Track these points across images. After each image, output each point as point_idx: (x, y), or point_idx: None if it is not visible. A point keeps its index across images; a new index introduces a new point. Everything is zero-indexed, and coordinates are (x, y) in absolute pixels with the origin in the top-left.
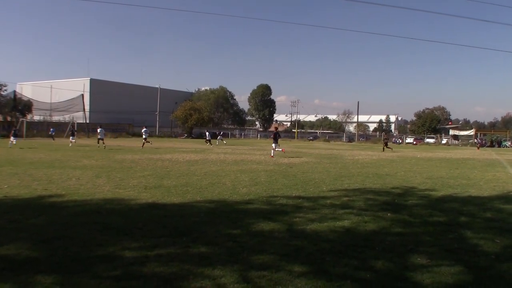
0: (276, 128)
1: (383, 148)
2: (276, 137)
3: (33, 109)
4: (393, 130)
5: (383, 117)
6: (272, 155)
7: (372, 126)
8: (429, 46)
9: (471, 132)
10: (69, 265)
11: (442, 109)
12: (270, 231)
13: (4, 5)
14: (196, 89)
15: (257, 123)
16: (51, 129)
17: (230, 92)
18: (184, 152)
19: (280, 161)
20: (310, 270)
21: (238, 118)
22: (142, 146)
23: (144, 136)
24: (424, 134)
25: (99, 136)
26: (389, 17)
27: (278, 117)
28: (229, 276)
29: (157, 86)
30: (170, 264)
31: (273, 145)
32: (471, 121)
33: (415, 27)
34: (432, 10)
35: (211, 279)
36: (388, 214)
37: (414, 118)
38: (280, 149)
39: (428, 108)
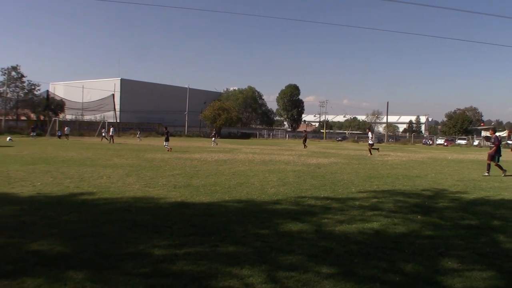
0: (166, 128)
1: (304, 145)
2: (167, 135)
3: (65, 108)
4: (423, 131)
5: (413, 118)
6: (168, 149)
7: (401, 127)
8: (461, 45)
9: (504, 133)
10: (99, 261)
11: (474, 109)
12: (298, 232)
13: (36, 8)
14: (225, 89)
15: (285, 123)
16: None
17: (258, 92)
18: (212, 151)
19: (309, 162)
20: (339, 271)
21: (266, 118)
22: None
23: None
24: (455, 135)
25: (110, 133)
26: (421, 16)
27: (306, 117)
28: (257, 276)
29: (186, 86)
30: (199, 263)
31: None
32: (504, 122)
33: (446, 26)
34: (464, 9)
35: (239, 278)
36: (418, 217)
37: (445, 119)
38: (168, 147)
39: (459, 109)
